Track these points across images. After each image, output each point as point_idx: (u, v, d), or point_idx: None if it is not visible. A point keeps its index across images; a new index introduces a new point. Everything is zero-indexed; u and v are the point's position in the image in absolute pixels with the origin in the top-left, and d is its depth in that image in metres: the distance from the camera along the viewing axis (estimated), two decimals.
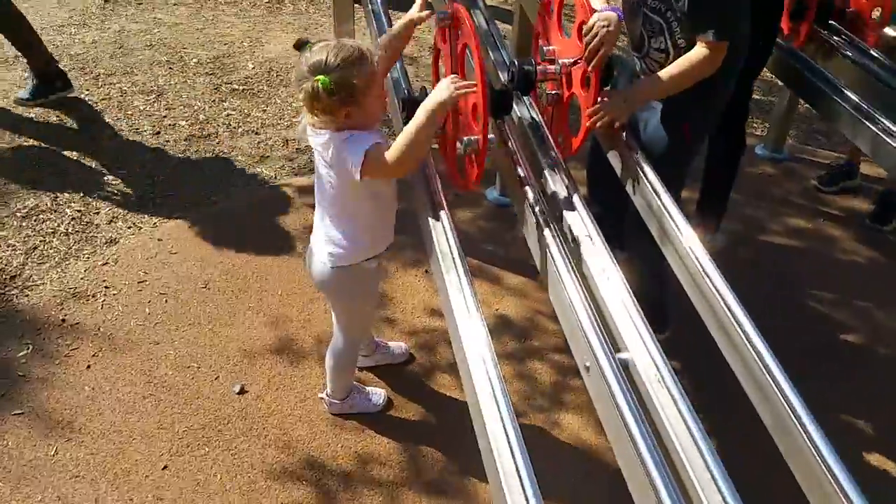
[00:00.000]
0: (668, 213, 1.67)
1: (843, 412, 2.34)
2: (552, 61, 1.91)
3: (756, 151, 3.75)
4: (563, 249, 1.56)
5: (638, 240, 2.09)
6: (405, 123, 1.83)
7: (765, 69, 2.72)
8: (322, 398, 2.18)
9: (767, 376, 1.31)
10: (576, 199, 1.69)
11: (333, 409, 2.16)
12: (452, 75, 1.64)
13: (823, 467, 1.15)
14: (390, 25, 2.19)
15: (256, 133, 3.63)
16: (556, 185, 1.74)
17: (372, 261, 1.87)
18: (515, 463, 1.15)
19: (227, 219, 2.97)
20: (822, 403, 2.14)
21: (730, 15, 1.90)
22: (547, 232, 1.62)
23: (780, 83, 2.90)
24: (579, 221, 1.66)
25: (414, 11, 1.81)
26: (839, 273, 2.98)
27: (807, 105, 3.09)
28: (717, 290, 1.47)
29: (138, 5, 4.91)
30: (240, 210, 3.03)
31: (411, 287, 2.69)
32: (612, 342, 1.41)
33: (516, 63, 1.89)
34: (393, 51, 1.85)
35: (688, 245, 1.59)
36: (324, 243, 1.82)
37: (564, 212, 1.69)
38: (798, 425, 1.22)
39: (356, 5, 2.68)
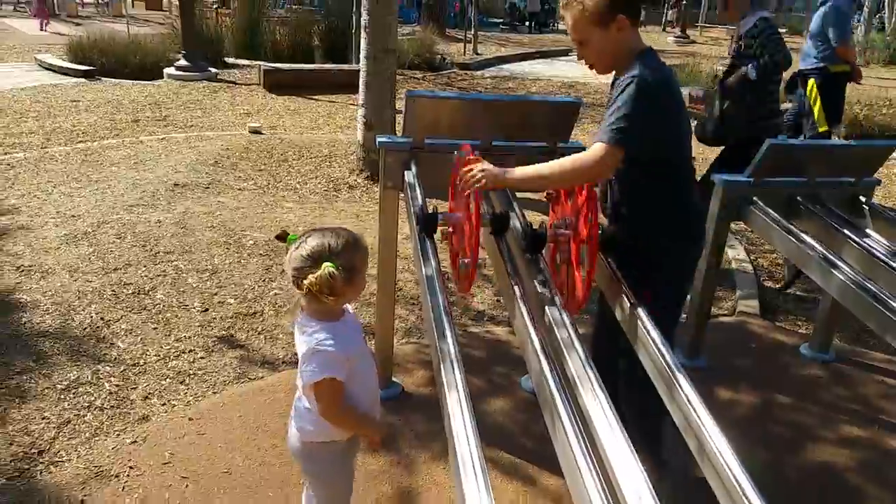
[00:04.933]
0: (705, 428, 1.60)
1: None
2: (566, 225, 2.09)
3: (801, 351, 3.64)
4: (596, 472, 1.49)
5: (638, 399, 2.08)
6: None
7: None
8: None
9: None
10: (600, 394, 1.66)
11: None
12: None
13: None
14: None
15: None
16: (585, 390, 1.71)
17: (344, 443, 1.89)
18: None
19: (262, 399, 2.97)
20: None
21: (629, 123, 1.83)
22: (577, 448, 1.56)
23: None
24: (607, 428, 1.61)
25: None
26: None
27: None
28: None
29: (205, 189, 5.33)
30: (277, 389, 3.04)
31: (437, 482, 2.57)
32: None
33: (529, 226, 2.13)
34: None
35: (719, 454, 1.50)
36: (296, 415, 1.88)
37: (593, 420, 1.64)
38: None
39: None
